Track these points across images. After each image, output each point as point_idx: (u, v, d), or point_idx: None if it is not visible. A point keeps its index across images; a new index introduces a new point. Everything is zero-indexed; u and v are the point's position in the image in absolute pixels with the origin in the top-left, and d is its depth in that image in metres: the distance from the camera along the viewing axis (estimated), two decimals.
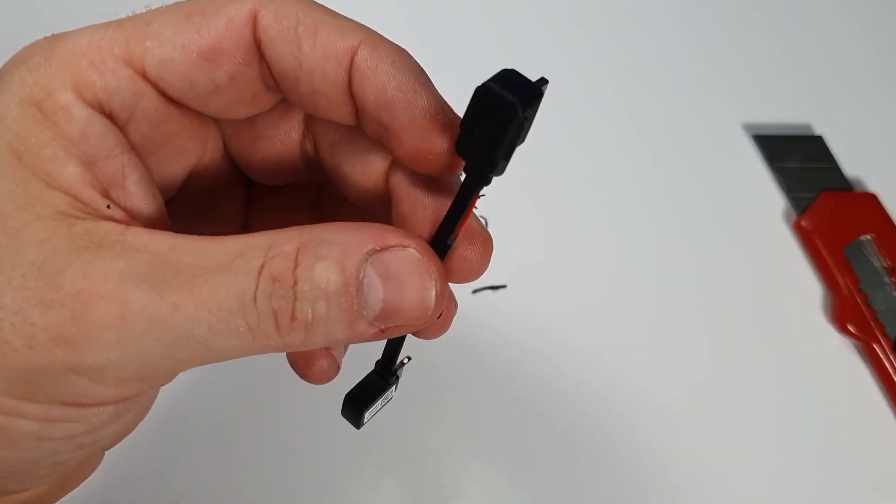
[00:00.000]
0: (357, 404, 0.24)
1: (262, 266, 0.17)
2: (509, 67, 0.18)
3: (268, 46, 0.20)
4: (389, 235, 0.18)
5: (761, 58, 0.51)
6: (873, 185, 0.46)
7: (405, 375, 0.25)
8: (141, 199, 0.20)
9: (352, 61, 0.19)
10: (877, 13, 0.53)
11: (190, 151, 0.22)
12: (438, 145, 0.19)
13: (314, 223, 0.19)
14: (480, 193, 0.19)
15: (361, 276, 0.18)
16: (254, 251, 0.17)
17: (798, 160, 0.46)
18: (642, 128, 0.48)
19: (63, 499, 0.23)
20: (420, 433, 0.38)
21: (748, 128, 0.48)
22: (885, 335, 0.41)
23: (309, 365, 0.23)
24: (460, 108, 0.19)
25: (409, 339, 0.22)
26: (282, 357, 0.23)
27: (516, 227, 0.44)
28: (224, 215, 0.25)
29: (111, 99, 0.19)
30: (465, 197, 0.19)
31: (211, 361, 0.18)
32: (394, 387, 0.25)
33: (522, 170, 0.47)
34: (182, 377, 0.21)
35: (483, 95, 0.17)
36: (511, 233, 0.44)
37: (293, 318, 0.17)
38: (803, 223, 0.45)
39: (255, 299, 0.17)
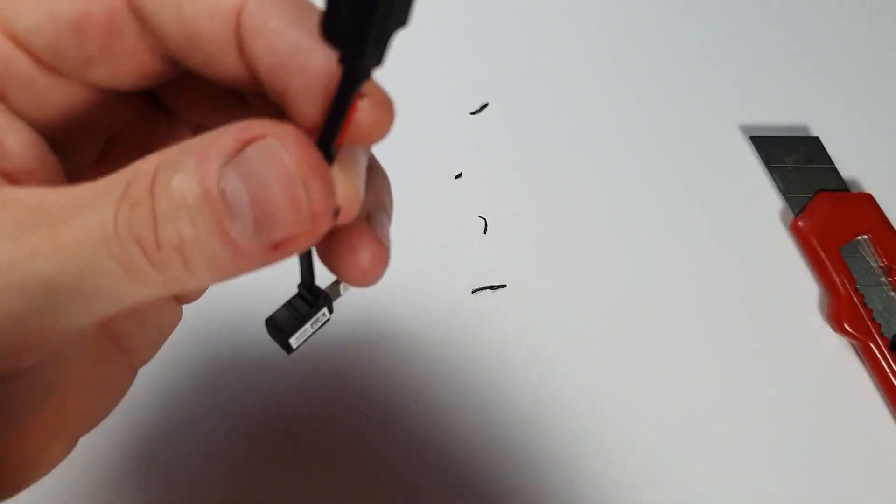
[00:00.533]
0: (279, 328, 0.21)
1: (123, 194, 0.15)
2: None
3: (146, 11, 0.18)
4: (252, 128, 0.15)
5: (758, 59, 0.51)
6: (869, 185, 0.47)
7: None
8: (26, 161, 0.18)
9: (238, 19, 0.17)
10: (874, 15, 0.53)
11: (96, 120, 0.20)
12: None
13: None
14: (360, 91, 0.16)
15: (224, 181, 0.15)
16: (118, 181, 0.16)
17: (795, 161, 0.47)
18: (639, 129, 0.48)
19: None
20: (419, 433, 0.38)
21: (745, 129, 0.48)
22: (881, 334, 0.42)
23: (350, 255, 0.20)
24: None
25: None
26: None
27: (516, 227, 0.44)
28: None
29: None
30: (343, 96, 0.16)
31: (104, 314, 0.16)
32: (324, 308, 0.22)
33: (522, 170, 0.47)
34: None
35: None
36: (511, 233, 0.44)
37: (158, 244, 0.15)
38: (800, 224, 0.45)
39: (115, 230, 0.15)
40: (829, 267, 0.43)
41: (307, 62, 0.17)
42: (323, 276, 0.21)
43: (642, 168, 0.47)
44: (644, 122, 0.48)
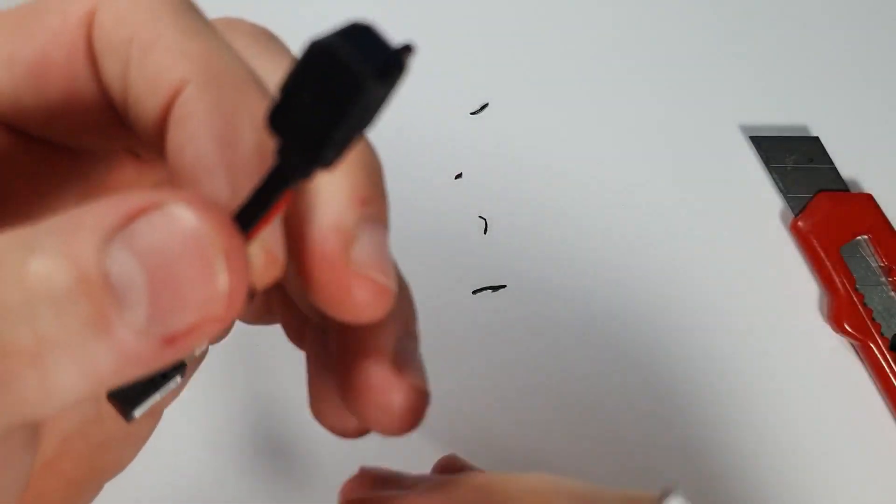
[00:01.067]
0: (123, 399, 0.18)
1: None
2: (361, 21, 0.13)
3: (98, 62, 0.15)
4: (140, 198, 0.12)
5: (758, 58, 0.51)
6: (869, 185, 0.47)
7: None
8: None
9: (173, 102, 0.15)
10: (874, 14, 0.53)
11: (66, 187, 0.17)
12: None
13: None
14: (293, 188, 0.14)
15: (107, 262, 0.12)
16: None
17: (794, 161, 0.47)
18: (638, 129, 0.48)
19: None
20: (419, 433, 0.38)
21: (744, 129, 0.48)
22: (881, 334, 0.42)
23: (381, 411, 0.17)
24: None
25: None
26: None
27: (517, 228, 0.44)
28: None
29: None
30: (272, 188, 0.13)
31: None
32: (179, 373, 0.18)
33: (523, 170, 0.47)
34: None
35: (319, 54, 0.12)
36: (512, 233, 0.44)
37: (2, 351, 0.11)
38: (800, 224, 0.45)
39: None
40: (829, 267, 0.43)
41: (232, 161, 0.14)
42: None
43: (642, 167, 0.47)
44: (643, 121, 0.48)
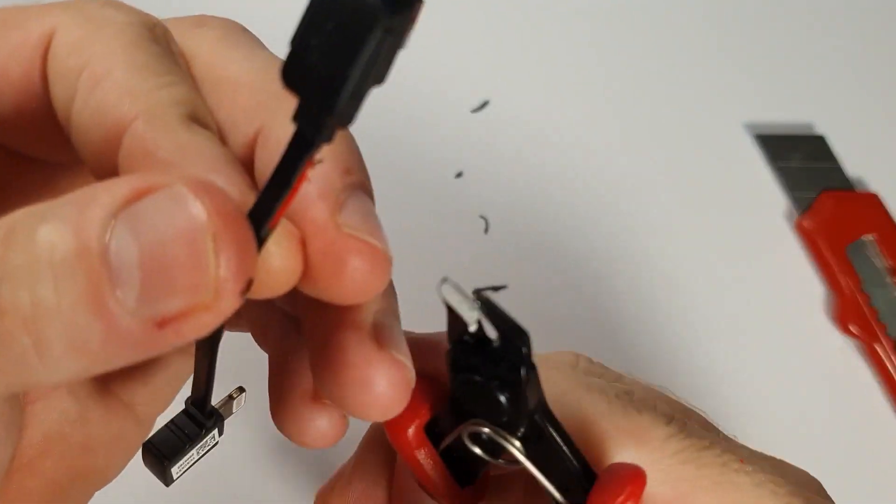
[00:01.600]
0: (158, 457, 0.18)
1: None
2: None
3: (50, 82, 0.16)
4: (151, 178, 0.12)
5: (763, 57, 0.51)
6: (875, 184, 0.46)
7: None
8: None
9: (118, 137, 0.15)
10: (880, 13, 0.53)
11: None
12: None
13: None
14: (315, 158, 0.13)
15: (107, 236, 0.12)
16: None
17: (800, 160, 0.46)
18: (643, 127, 0.48)
19: None
20: None
21: (750, 127, 0.48)
22: (886, 335, 0.41)
23: (362, 389, 0.16)
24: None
25: None
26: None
27: (518, 227, 0.44)
28: None
29: None
30: (294, 158, 0.13)
31: None
32: (215, 430, 0.18)
33: (524, 168, 0.47)
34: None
35: None
36: (513, 233, 0.44)
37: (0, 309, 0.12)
38: (805, 223, 0.45)
39: None
40: (834, 267, 0.43)
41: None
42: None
43: (646, 166, 0.46)
44: (648, 120, 0.48)
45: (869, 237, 0.44)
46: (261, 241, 0.13)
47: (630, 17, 0.51)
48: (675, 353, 0.41)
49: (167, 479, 0.18)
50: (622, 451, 0.19)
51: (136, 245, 0.12)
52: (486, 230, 0.44)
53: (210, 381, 0.18)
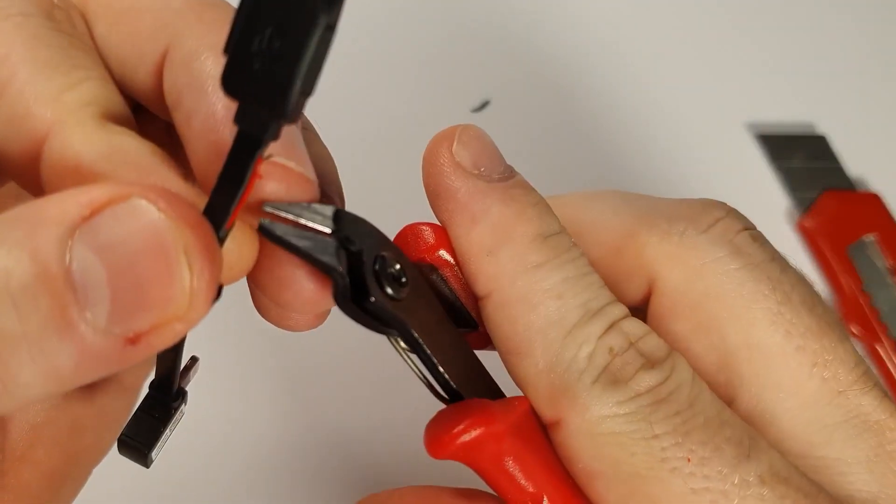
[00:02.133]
0: (137, 448, 0.18)
1: None
2: None
3: None
4: (104, 190, 0.12)
5: (764, 57, 0.50)
6: (876, 184, 0.46)
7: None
8: None
9: (38, 151, 0.14)
10: (881, 12, 0.53)
11: None
12: None
13: None
14: (264, 154, 0.13)
15: (67, 256, 0.11)
16: None
17: (801, 159, 0.46)
18: (644, 127, 0.48)
19: None
20: (418, 434, 0.38)
21: (751, 127, 0.48)
22: (888, 336, 0.41)
23: (285, 287, 0.16)
24: None
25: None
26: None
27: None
28: None
29: None
30: (243, 158, 0.13)
31: None
32: (182, 404, 0.19)
33: (524, 168, 0.47)
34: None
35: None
36: None
37: None
38: (806, 223, 0.45)
39: None
40: (836, 267, 0.43)
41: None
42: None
43: (647, 165, 0.46)
44: (649, 119, 0.48)
45: (870, 237, 0.44)
46: (220, 241, 0.13)
47: (630, 17, 0.51)
48: None
49: (148, 463, 0.18)
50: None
51: (100, 263, 0.11)
52: None
53: (177, 363, 0.18)
